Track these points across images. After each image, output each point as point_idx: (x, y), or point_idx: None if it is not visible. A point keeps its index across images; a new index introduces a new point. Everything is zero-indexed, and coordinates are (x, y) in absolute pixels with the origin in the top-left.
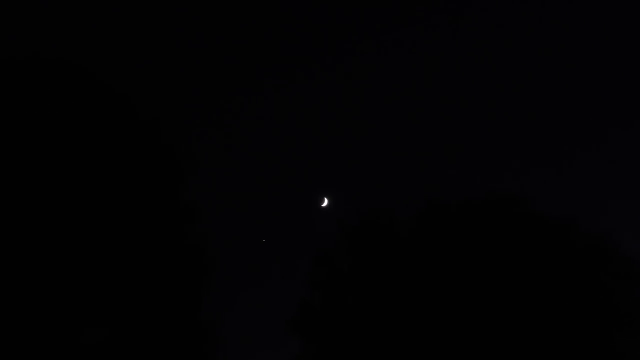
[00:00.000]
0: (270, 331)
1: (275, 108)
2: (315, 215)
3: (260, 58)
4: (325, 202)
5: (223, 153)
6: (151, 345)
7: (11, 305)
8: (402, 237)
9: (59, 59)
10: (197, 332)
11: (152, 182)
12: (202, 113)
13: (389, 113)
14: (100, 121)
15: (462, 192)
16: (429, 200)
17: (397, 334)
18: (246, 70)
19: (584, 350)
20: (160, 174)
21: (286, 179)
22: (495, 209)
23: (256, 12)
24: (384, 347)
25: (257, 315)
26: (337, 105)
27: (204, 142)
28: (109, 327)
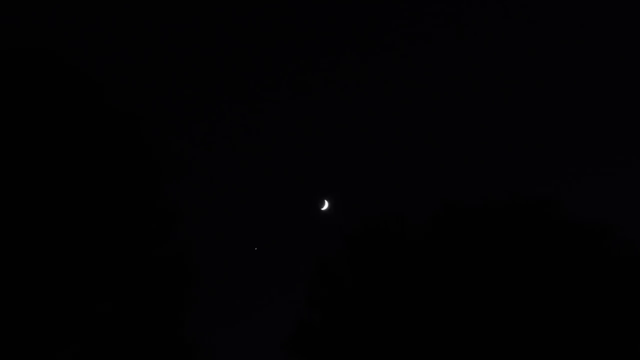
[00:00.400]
0: (264, 350)
1: (270, 105)
2: (314, 220)
3: (257, 56)
4: (326, 205)
5: (213, 153)
6: None
7: None
8: (413, 245)
9: (36, 50)
10: (178, 354)
11: (122, 180)
12: (194, 112)
13: (397, 110)
14: (66, 111)
15: (482, 194)
16: (445, 203)
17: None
18: (242, 69)
19: None
20: (133, 172)
21: (281, 179)
22: (522, 213)
23: (256, 11)
24: None
25: (249, 332)
26: (337, 101)
27: (195, 142)
28: (80, 343)
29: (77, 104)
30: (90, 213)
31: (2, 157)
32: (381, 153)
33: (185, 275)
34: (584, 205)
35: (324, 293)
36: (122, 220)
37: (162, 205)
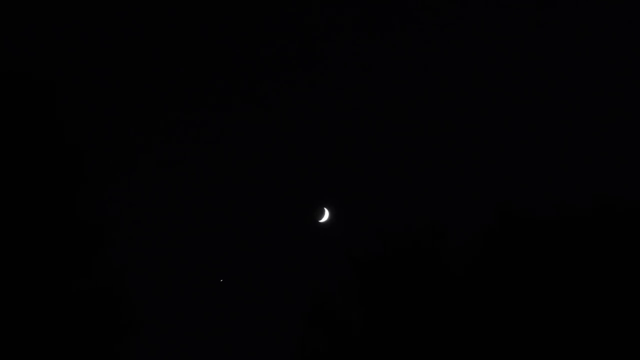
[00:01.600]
0: None
1: (263, 102)
2: (308, 236)
3: (253, 54)
4: (326, 216)
5: (174, 156)
6: None
7: None
8: (455, 271)
9: None
10: None
11: (25, 178)
12: (163, 109)
13: (417, 102)
14: None
15: (551, 200)
16: (502, 212)
17: None
18: (228, 66)
19: None
20: (44, 173)
21: (267, 182)
22: (611, 223)
23: (256, 8)
24: None
25: None
26: (335, 99)
27: (145, 143)
28: None
29: None
30: None
31: None
32: (399, 150)
33: (115, 318)
34: None
35: (322, 346)
36: (22, 235)
37: (85, 215)
